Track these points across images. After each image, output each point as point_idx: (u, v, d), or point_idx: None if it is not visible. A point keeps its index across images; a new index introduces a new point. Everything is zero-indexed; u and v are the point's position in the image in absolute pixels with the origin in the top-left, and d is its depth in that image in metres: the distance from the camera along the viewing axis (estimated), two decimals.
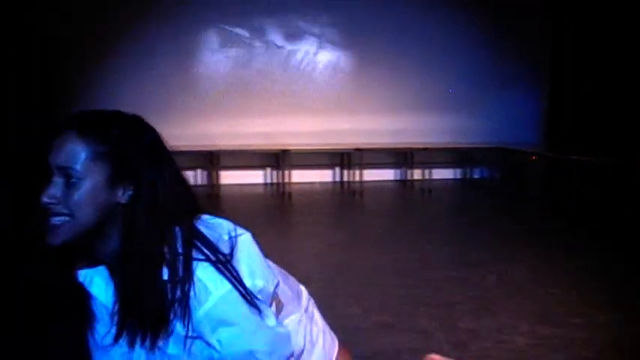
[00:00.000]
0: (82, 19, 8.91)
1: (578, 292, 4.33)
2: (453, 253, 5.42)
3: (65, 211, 1.40)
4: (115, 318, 1.50)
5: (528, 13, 9.90)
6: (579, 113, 9.24)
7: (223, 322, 1.43)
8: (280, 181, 9.23)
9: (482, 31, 9.84)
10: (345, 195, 9.13)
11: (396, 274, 4.74)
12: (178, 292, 1.41)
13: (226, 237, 1.54)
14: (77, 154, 1.40)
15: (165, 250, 1.43)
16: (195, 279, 1.42)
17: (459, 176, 10.20)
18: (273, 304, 1.62)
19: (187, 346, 1.46)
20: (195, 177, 9.67)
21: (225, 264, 1.46)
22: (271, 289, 1.59)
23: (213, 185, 9.03)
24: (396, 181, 10.07)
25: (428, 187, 9.13)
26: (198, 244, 1.47)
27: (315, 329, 1.83)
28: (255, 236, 1.58)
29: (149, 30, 9.21)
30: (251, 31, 9.66)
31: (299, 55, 9.78)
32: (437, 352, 3.29)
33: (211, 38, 9.56)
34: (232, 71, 9.69)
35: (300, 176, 9.35)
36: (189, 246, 1.45)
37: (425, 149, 9.23)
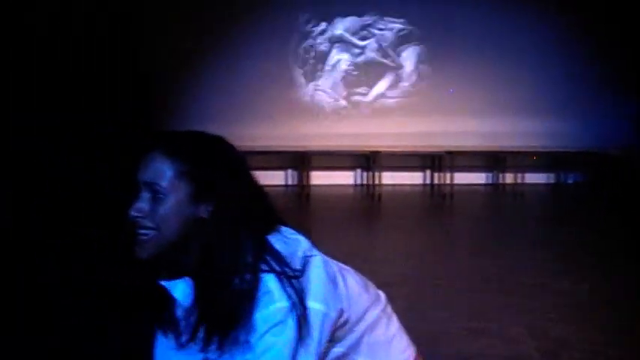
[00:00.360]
0: (173, 22, 9.19)
1: None
2: (544, 259, 5.31)
3: (151, 224, 1.51)
4: (191, 322, 1.59)
5: (624, 13, 9.58)
6: None
7: (267, 333, 1.50)
8: (370, 182, 9.24)
9: (576, 33, 9.58)
10: (435, 198, 9.06)
11: (485, 279, 4.69)
12: (245, 301, 1.50)
13: (300, 254, 1.60)
14: (163, 171, 1.52)
15: (239, 261, 1.53)
16: (261, 288, 1.51)
17: (551, 181, 9.98)
18: (331, 331, 1.63)
19: (244, 351, 1.54)
20: (286, 177, 9.81)
21: (290, 279, 1.53)
22: (333, 315, 1.61)
23: (304, 185, 9.11)
24: (486, 184, 9.94)
25: (519, 191, 8.96)
26: (268, 257, 1.55)
27: (392, 329, 1.88)
28: (325, 260, 1.64)
29: (241, 32, 9.38)
30: (341, 32, 9.71)
31: (388, 57, 9.77)
32: None
33: (302, 40, 9.66)
34: (322, 73, 9.76)
35: (390, 178, 9.33)
36: (258, 258, 1.54)
37: (518, 153, 9.07)
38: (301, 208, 8.19)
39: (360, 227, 7.10)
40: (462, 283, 4.58)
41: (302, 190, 9.01)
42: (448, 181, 8.99)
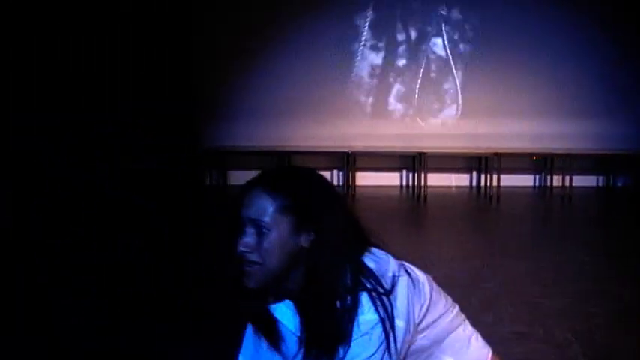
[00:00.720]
0: (220, 20, 9.30)
1: None
2: (592, 263, 5.25)
3: (257, 259, 1.67)
4: (303, 343, 1.74)
5: None
6: None
7: (354, 342, 1.66)
8: (416, 184, 9.22)
9: (627, 33, 9.42)
10: (482, 200, 9.01)
11: (531, 283, 4.66)
12: (347, 321, 1.66)
13: (390, 274, 1.75)
14: (266, 208, 1.66)
15: (340, 284, 1.69)
16: (359, 305, 1.68)
17: (600, 184, 9.83)
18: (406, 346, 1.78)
19: None
20: (331, 177, 9.84)
21: (381, 296, 1.69)
22: (411, 331, 1.77)
23: (349, 186, 9.12)
24: (534, 187, 9.83)
25: (568, 194, 8.85)
26: (363, 278, 1.71)
27: (469, 328, 2.08)
28: (409, 281, 1.80)
29: (290, 32, 9.44)
30: (387, 32, 9.71)
31: (435, 57, 9.74)
32: None
33: (349, 39, 9.67)
34: (368, 72, 9.77)
35: (436, 179, 9.30)
36: (356, 279, 1.70)
37: (567, 155, 8.95)
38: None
39: (405, 228, 7.10)
40: (508, 286, 4.56)
41: (347, 191, 9.02)
42: (495, 183, 8.90)
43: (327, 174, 9.76)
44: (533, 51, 9.45)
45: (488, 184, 9.18)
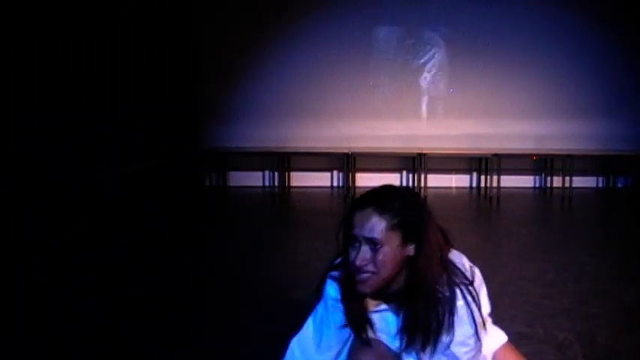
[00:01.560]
0: (230, 21, 9.30)
1: None
2: (593, 264, 5.24)
3: (372, 269, 2.01)
4: (404, 335, 2.13)
5: None
6: None
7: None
8: (416, 184, 9.21)
9: (628, 33, 9.42)
10: (482, 201, 9.00)
11: (532, 284, 4.65)
12: (447, 309, 2.08)
13: (467, 266, 2.25)
14: (378, 226, 2.00)
15: (439, 281, 2.10)
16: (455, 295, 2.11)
17: (600, 185, 9.83)
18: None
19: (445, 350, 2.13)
20: (331, 178, 9.85)
21: (468, 287, 2.15)
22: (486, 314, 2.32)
23: (349, 187, 9.12)
24: (534, 188, 9.83)
25: (568, 195, 8.84)
26: (452, 274, 2.14)
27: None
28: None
29: (291, 33, 9.44)
30: (389, 34, 9.71)
31: (435, 58, 9.73)
32: None
33: (353, 41, 9.66)
34: (368, 72, 9.76)
35: (436, 180, 9.31)
36: (449, 275, 2.13)
37: (567, 156, 8.94)
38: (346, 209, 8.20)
39: None
40: (509, 286, 4.55)
41: (347, 192, 9.03)
42: (495, 184, 8.89)
43: (326, 174, 9.78)
44: (533, 51, 9.45)
45: (488, 184, 9.18)
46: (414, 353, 2.15)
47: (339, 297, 2.18)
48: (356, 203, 2.11)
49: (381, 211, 2.02)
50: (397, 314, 2.19)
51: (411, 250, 2.06)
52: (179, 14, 8.92)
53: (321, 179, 9.80)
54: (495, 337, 2.47)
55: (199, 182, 9.56)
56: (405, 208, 2.05)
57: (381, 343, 2.21)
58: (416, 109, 9.76)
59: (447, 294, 2.09)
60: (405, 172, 9.80)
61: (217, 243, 6.29)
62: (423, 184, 8.92)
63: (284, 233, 6.86)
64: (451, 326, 2.08)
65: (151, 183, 7.76)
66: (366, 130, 9.55)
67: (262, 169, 9.84)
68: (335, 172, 9.84)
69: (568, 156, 8.94)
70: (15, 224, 5.07)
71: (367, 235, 2.00)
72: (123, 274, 4.93)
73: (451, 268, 2.15)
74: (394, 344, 2.19)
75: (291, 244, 6.15)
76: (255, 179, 9.82)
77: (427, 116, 9.75)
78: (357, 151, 9.10)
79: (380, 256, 2.00)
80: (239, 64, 9.44)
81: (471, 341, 2.13)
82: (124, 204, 6.98)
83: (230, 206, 8.70)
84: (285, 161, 9.45)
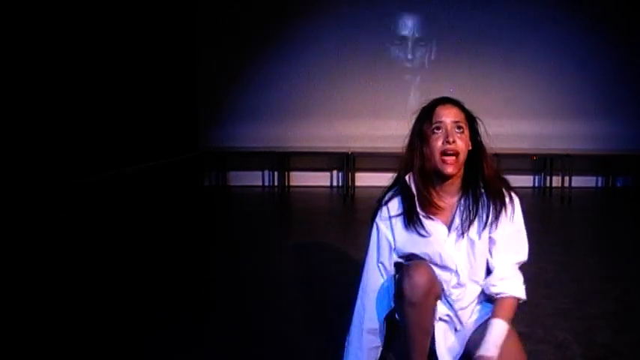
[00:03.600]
0: (230, 22, 9.29)
1: None
2: (592, 264, 5.24)
3: (457, 149, 2.39)
4: (460, 216, 2.47)
5: None
6: None
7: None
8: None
9: (627, 34, 9.43)
10: None
11: (532, 284, 4.62)
12: (499, 202, 2.47)
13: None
14: (460, 114, 2.49)
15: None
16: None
17: (600, 184, 9.84)
18: None
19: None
20: (331, 178, 9.85)
21: (515, 193, 2.57)
22: None
23: (349, 187, 9.12)
24: (533, 187, 9.84)
25: (567, 194, 8.84)
26: (503, 181, 2.58)
27: None
28: None
29: (290, 34, 9.44)
30: (387, 33, 9.70)
31: (434, 57, 9.74)
32: None
33: (349, 40, 9.65)
34: (368, 73, 9.76)
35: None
36: (502, 180, 2.57)
37: (566, 155, 8.95)
38: (347, 209, 8.24)
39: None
40: None
41: (347, 191, 9.03)
42: None
43: (326, 174, 9.79)
44: (533, 52, 9.47)
45: None
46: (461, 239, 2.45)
47: (400, 210, 2.51)
48: (434, 101, 2.50)
49: (459, 106, 2.48)
50: (449, 223, 2.47)
51: (471, 145, 2.46)
52: (180, 15, 8.92)
53: (320, 179, 9.81)
54: (512, 290, 2.54)
55: (199, 182, 9.56)
56: (469, 112, 2.53)
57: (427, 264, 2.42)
58: (414, 109, 9.74)
59: (500, 191, 2.48)
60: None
61: (218, 242, 6.29)
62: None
63: (284, 232, 6.86)
64: (497, 219, 2.45)
65: (151, 183, 7.77)
66: (366, 130, 9.55)
67: (262, 169, 9.84)
68: (334, 172, 9.84)
69: (567, 156, 8.94)
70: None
71: (455, 119, 2.41)
72: (123, 275, 4.94)
73: (502, 178, 2.54)
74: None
75: (290, 243, 6.14)
76: (254, 179, 9.83)
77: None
78: (356, 150, 9.09)
79: (463, 138, 2.39)
80: (238, 65, 9.44)
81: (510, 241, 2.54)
82: (124, 204, 6.99)
83: (229, 206, 8.69)
84: (284, 161, 9.45)
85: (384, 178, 9.03)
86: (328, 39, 9.55)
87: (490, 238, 2.46)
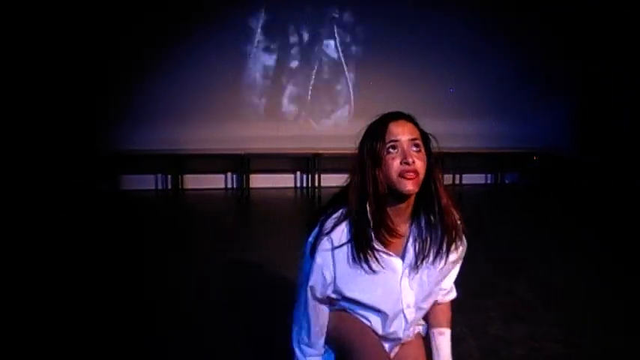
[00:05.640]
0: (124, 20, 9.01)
1: (619, 300, 4.28)
2: (485, 260, 5.35)
3: (416, 168, 2.11)
4: (415, 244, 2.23)
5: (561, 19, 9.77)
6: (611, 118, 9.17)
7: None
8: (310, 184, 9.24)
9: (516, 36, 9.75)
10: None
11: None
12: (453, 229, 2.28)
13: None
14: (415, 131, 2.20)
15: None
16: None
17: (489, 181, 10.14)
18: None
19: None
20: (225, 180, 9.74)
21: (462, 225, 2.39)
22: None
23: (243, 188, 9.03)
24: None
25: (458, 191, 9.05)
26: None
27: None
28: None
29: (184, 35, 9.24)
30: (281, 35, 9.68)
31: (330, 57, 9.78)
32: (467, 359, 3.27)
33: (246, 41, 9.57)
34: (261, 74, 9.70)
35: (330, 180, 9.37)
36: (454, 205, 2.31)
37: (457, 154, 9.15)
38: (243, 210, 8.16)
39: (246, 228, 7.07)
40: None
41: (242, 193, 8.95)
42: None
43: (221, 177, 9.68)
44: (424, 53, 9.63)
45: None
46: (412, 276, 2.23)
47: (346, 239, 2.16)
48: (385, 117, 2.23)
49: (412, 121, 2.23)
50: (402, 256, 2.23)
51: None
52: (74, 13, 8.63)
53: (215, 181, 9.68)
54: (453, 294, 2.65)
55: (90, 186, 9.21)
56: (421, 128, 2.26)
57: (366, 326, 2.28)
58: (309, 110, 9.78)
59: (457, 226, 2.29)
60: (299, 173, 9.80)
61: (112, 250, 6.07)
62: (317, 185, 8.92)
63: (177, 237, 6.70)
64: (449, 247, 2.27)
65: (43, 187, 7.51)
66: (260, 132, 9.49)
67: (155, 172, 9.59)
68: (229, 174, 9.73)
69: (457, 154, 9.14)
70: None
71: (411, 136, 2.14)
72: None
73: (456, 208, 2.31)
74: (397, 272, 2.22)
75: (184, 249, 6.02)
76: (148, 182, 9.58)
77: (320, 117, 9.79)
78: (251, 152, 9.01)
79: (421, 157, 2.13)
80: (131, 67, 9.14)
81: (454, 272, 2.52)
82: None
83: (121, 211, 8.42)
84: (178, 164, 9.27)
85: (279, 179, 9.01)
86: (222, 41, 9.42)
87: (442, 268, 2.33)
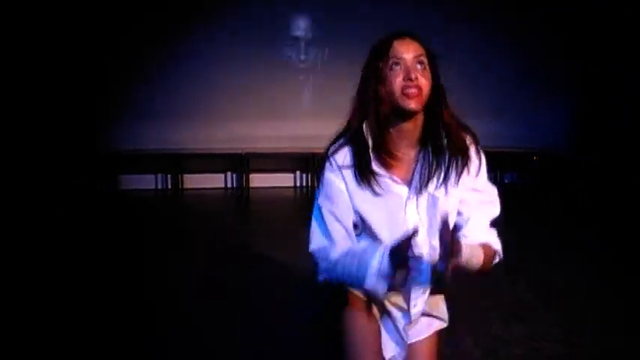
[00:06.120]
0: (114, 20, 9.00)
1: (619, 301, 4.28)
2: None
3: (420, 84, 2.07)
4: (423, 168, 2.18)
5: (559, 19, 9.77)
6: (611, 118, 9.17)
7: None
8: (310, 184, 9.25)
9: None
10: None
11: None
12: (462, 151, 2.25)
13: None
14: (421, 49, 2.12)
15: None
16: None
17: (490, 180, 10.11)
18: None
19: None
20: (225, 179, 9.74)
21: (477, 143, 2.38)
22: None
23: (243, 188, 9.03)
24: None
25: None
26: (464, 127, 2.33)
27: None
28: None
29: (184, 36, 9.24)
30: (280, 34, 9.68)
31: (325, 57, 9.78)
32: (466, 358, 3.27)
33: (246, 41, 9.56)
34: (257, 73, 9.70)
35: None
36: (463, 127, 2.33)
37: None
38: (242, 211, 8.16)
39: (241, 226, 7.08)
40: None
41: (242, 193, 8.95)
42: None
43: (220, 176, 9.68)
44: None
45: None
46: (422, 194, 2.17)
47: (351, 162, 2.15)
48: (391, 35, 2.13)
49: (418, 40, 2.12)
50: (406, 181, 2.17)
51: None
52: (75, 12, 8.64)
53: (215, 181, 9.68)
54: (494, 241, 2.56)
55: (90, 186, 9.21)
56: (429, 48, 2.15)
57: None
58: (305, 109, 9.78)
59: (464, 144, 2.22)
60: (298, 172, 9.80)
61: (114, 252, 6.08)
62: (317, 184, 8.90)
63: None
64: (460, 175, 2.21)
65: (43, 187, 7.51)
66: (260, 131, 9.48)
67: (155, 172, 9.60)
68: (229, 174, 9.73)
69: None
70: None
71: (415, 54, 2.07)
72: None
73: (465, 126, 2.29)
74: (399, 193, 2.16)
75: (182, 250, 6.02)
76: (147, 182, 9.58)
77: (324, 117, 9.78)
78: (250, 151, 9.01)
79: (426, 75, 2.08)
80: (130, 66, 9.13)
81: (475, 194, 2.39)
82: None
83: (120, 212, 8.42)
84: (178, 163, 9.27)
85: (279, 179, 9.01)
86: (223, 39, 9.41)
87: (457, 196, 2.26)
